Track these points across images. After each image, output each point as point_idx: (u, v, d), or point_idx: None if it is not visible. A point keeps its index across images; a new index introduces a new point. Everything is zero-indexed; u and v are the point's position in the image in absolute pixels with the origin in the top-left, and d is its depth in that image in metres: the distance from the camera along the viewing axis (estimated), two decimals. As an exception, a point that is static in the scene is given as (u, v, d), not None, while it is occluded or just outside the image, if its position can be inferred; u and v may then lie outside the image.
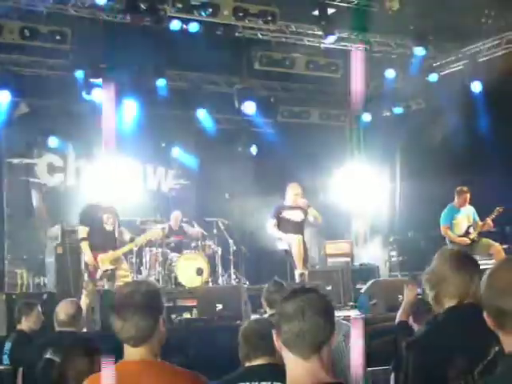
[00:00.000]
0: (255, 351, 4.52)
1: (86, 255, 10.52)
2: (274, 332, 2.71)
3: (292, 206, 12.41)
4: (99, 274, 10.51)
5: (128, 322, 3.24)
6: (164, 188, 17.07)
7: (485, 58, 16.05)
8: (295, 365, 2.64)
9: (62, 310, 6.55)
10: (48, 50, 14.41)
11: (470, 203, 13.13)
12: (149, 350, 3.29)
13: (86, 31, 13.87)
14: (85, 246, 10.55)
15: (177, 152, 17.24)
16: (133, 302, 3.27)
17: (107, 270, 10.55)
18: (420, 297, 5.77)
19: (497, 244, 12.83)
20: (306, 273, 12.29)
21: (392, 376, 5.02)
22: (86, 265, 10.55)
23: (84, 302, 9.78)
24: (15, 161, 15.41)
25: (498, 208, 12.88)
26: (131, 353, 3.29)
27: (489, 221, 12.84)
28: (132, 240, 11.32)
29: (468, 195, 12.93)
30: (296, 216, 12.42)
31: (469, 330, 3.29)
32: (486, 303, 2.56)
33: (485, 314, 2.56)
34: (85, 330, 8.06)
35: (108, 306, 3.18)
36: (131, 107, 15.82)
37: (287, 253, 12.33)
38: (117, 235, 11.02)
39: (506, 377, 2.48)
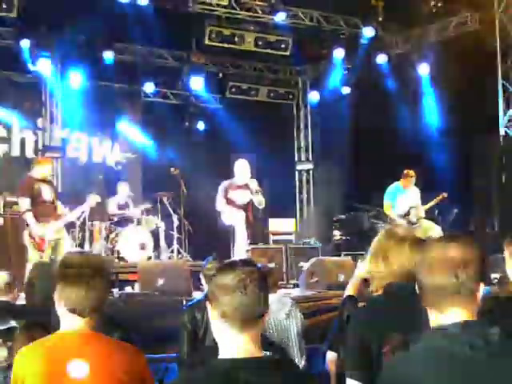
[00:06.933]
0: None
1: (32, 226, 10.33)
2: (208, 303, 2.69)
3: (239, 186, 12.22)
4: (46, 244, 10.37)
5: (81, 292, 3.18)
6: (110, 161, 16.91)
7: (432, 41, 16.21)
8: (230, 337, 2.63)
9: None
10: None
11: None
12: (92, 321, 3.26)
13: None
14: (29, 216, 10.35)
15: (123, 125, 17.09)
16: (86, 273, 3.21)
17: (52, 241, 10.42)
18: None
19: (438, 227, 12.86)
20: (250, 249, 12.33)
21: (327, 354, 5.06)
22: (31, 236, 10.37)
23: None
24: (-43, 131, 15.13)
25: (443, 194, 13.04)
26: (72, 324, 3.25)
27: (431, 204, 12.98)
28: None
29: (413, 179, 12.91)
30: (242, 198, 12.24)
31: (404, 308, 3.32)
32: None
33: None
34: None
35: (52, 276, 3.12)
36: (77, 79, 15.62)
37: (233, 229, 12.28)
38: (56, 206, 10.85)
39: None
